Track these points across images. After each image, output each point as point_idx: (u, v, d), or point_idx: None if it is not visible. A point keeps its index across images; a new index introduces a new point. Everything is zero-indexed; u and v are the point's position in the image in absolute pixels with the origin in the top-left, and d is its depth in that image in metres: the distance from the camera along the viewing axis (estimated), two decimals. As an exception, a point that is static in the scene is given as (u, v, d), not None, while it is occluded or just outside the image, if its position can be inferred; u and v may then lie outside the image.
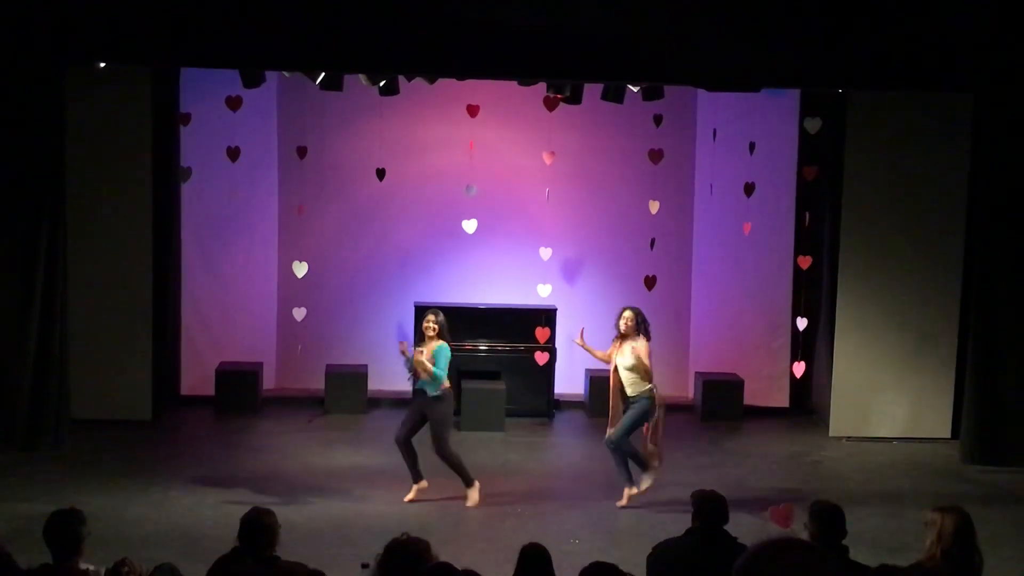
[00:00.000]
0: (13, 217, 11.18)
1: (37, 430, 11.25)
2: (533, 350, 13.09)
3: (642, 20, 10.72)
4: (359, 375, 13.36)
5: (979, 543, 5.78)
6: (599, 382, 12.11)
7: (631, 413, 9.98)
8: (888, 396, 12.73)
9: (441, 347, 9.86)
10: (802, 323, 12.96)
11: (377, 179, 12.68)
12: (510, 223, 13.74)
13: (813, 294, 13.28)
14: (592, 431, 12.26)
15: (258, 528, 5.84)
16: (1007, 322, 11.71)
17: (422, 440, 10.08)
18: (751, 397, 13.57)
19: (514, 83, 11.93)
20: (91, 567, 5.78)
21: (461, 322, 13.32)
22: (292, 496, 10.07)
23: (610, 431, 10.06)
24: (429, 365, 9.76)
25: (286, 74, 12.62)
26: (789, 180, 13.40)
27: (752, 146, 12.69)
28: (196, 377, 13.44)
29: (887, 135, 12.43)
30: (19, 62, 10.81)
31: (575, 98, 11.99)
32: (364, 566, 5.72)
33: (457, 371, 13.06)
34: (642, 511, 9.98)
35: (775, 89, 12.24)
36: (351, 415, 13.05)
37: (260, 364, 13.54)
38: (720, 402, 13.44)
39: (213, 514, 9.51)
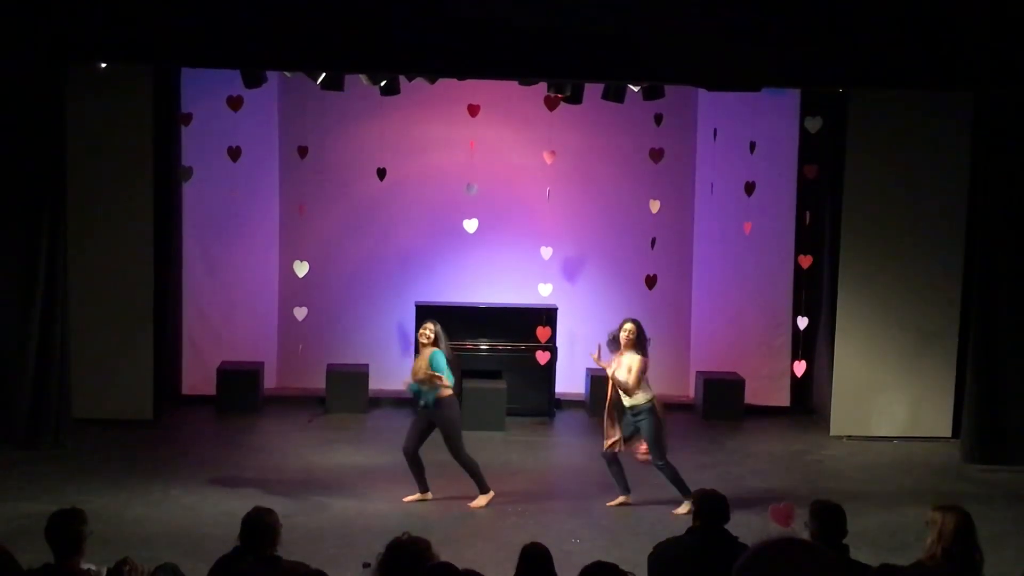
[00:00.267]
0: (14, 217, 11.19)
1: (38, 429, 11.26)
2: (534, 349, 13.09)
3: (642, 19, 10.72)
4: (360, 374, 13.37)
5: (980, 542, 5.78)
6: (600, 382, 12.11)
7: (648, 428, 9.89)
8: (889, 395, 12.73)
9: (434, 353, 9.88)
10: (803, 322, 12.96)
11: (378, 179, 12.68)
12: (511, 222, 13.74)
13: (814, 293, 13.28)
14: (593, 431, 12.25)
15: (259, 527, 5.85)
16: (1008, 321, 11.72)
17: (435, 447, 10.10)
18: (752, 396, 13.57)
19: (515, 83, 11.93)
20: (92, 567, 5.79)
21: (462, 322, 13.37)
22: (293, 495, 10.07)
23: (609, 444, 10.01)
24: (433, 373, 9.78)
25: (287, 74, 12.63)
26: (790, 179, 13.40)
27: (753, 145, 12.69)
28: (197, 376, 13.45)
29: (888, 134, 12.43)
30: (20, 62, 10.82)
31: (576, 98, 11.99)
32: (365, 565, 5.72)
33: (458, 370, 13.11)
34: (643, 511, 9.99)
35: (776, 88, 12.24)
36: (352, 415, 13.06)
37: (261, 364, 13.54)
38: (721, 401, 13.44)
39: (214, 513, 9.51)
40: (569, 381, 13.67)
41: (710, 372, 13.73)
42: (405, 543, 5.32)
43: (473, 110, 12.63)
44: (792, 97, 13.15)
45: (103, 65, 11.39)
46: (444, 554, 5.42)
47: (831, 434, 12.77)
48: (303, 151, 12.71)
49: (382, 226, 13.75)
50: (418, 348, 10.14)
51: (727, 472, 11.27)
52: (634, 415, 9.94)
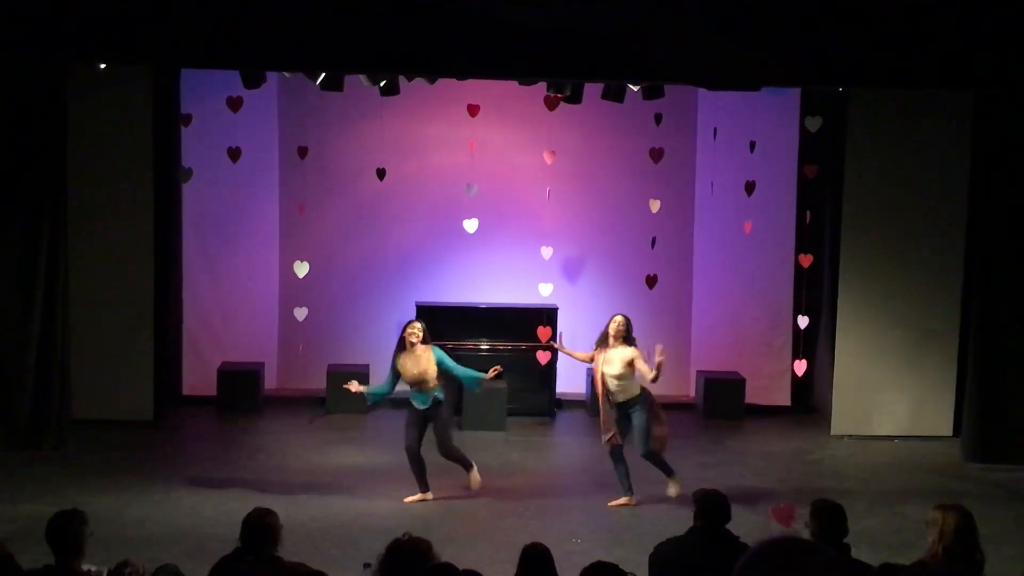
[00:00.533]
0: (15, 217, 11.20)
1: (39, 430, 11.27)
2: (534, 349, 13.09)
3: (642, 19, 10.71)
4: (360, 375, 13.33)
5: (981, 541, 5.78)
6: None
7: (640, 418, 9.98)
8: (889, 394, 12.73)
9: (435, 350, 10.04)
10: (803, 321, 12.96)
11: (378, 179, 12.67)
12: (511, 222, 13.74)
13: (814, 292, 13.28)
14: (594, 430, 12.21)
15: (260, 528, 5.85)
16: (1008, 319, 11.71)
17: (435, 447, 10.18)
18: (752, 395, 13.57)
19: (514, 83, 11.93)
20: (93, 568, 5.78)
21: (462, 322, 13.38)
22: (294, 496, 10.07)
23: (608, 438, 10.05)
24: (481, 376, 10.16)
25: (287, 74, 12.62)
26: (790, 178, 13.40)
27: (753, 145, 12.68)
28: (197, 377, 13.45)
29: (888, 133, 12.43)
30: (21, 62, 10.82)
31: (575, 97, 11.98)
32: (366, 566, 5.72)
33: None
34: (643, 510, 9.99)
35: (776, 88, 12.23)
36: (352, 415, 13.04)
37: (261, 364, 13.55)
38: (721, 401, 13.44)
39: (215, 514, 9.51)
40: (570, 381, 13.66)
41: (711, 371, 13.73)
42: (406, 543, 5.32)
43: (473, 110, 12.63)
44: (792, 96, 13.15)
45: (103, 66, 11.39)
46: (445, 554, 5.42)
47: (832, 433, 12.77)
48: (303, 151, 12.71)
49: (382, 226, 13.75)
50: (403, 347, 10.09)
51: (728, 472, 11.26)
52: (629, 408, 9.99)
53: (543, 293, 13.36)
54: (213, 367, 13.32)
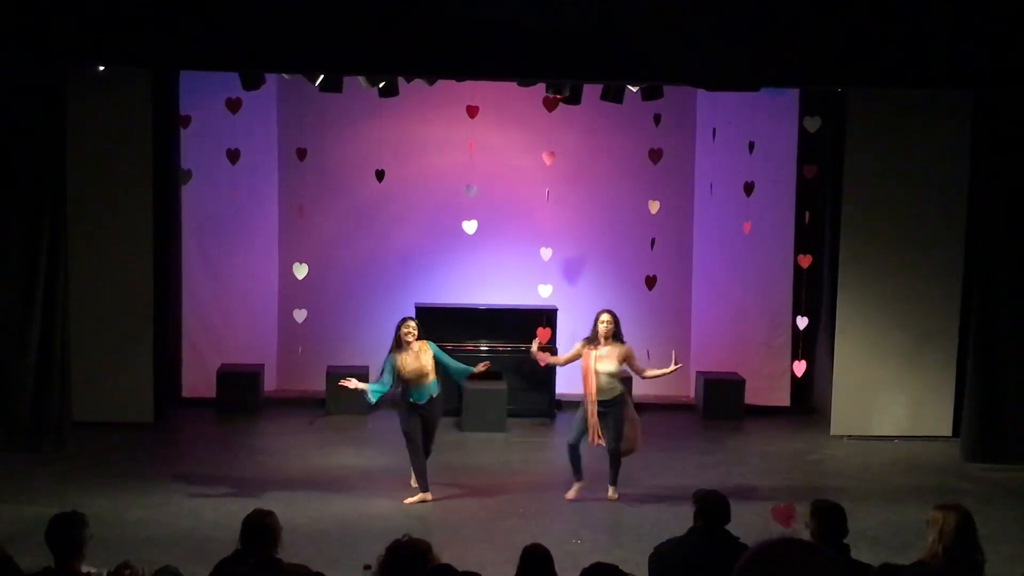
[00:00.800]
0: (14, 219, 11.20)
1: (39, 432, 11.27)
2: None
3: (641, 20, 10.71)
4: (360, 376, 13.31)
5: (981, 541, 5.78)
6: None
7: (616, 417, 10.12)
8: (889, 394, 12.73)
9: (432, 345, 10.21)
10: (803, 322, 12.96)
11: (377, 180, 12.68)
12: (510, 223, 13.74)
13: (814, 293, 13.28)
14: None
15: (259, 530, 5.84)
16: (1007, 320, 11.72)
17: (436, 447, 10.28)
18: (752, 396, 13.58)
19: (513, 84, 11.93)
20: (93, 570, 5.78)
21: (462, 323, 13.38)
22: (293, 497, 10.07)
23: (600, 441, 10.09)
24: (475, 369, 10.39)
25: (286, 76, 12.62)
26: (789, 179, 13.40)
27: (752, 145, 12.69)
28: (197, 379, 13.45)
29: (887, 133, 12.43)
30: (20, 65, 10.82)
31: (574, 98, 11.98)
32: (366, 567, 5.72)
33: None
34: (644, 510, 9.99)
35: (775, 88, 12.22)
36: (352, 416, 13.05)
37: (261, 366, 13.55)
38: (721, 401, 13.45)
39: (214, 516, 9.51)
40: (569, 382, 13.61)
41: (710, 372, 13.73)
42: (405, 545, 5.32)
43: (472, 111, 12.63)
44: (791, 97, 13.16)
45: (102, 68, 11.39)
46: (445, 555, 5.42)
47: (831, 434, 12.77)
48: (302, 153, 12.71)
49: (381, 228, 13.76)
50: (399, 346, 10.14)
51: (728, 472, 11.27)
52: (608, 406, 10.05)
53: (542, 294, 13.36)
54: (213, 369, 13.33)
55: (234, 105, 12.18)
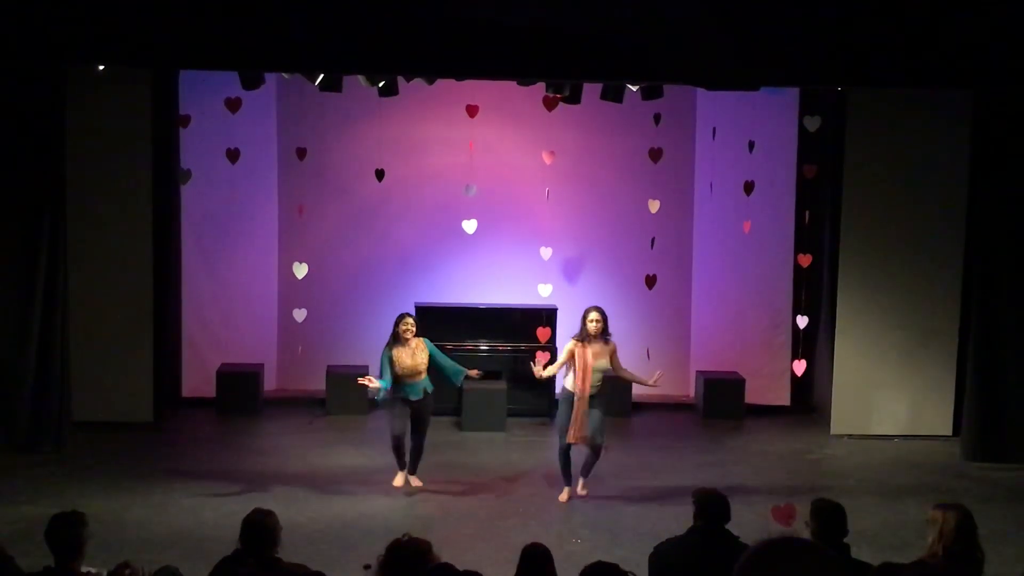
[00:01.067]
0: (14, 219, 11.21)
1: (38, 432, 11.27)
2: (534, 350, 13.07)
3: (641, 19, 10.71)
4: (360, 376, 13.34)
5: (981, 540, 5.78)
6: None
7: (600, 411, 10.11)
8: (889, 394, 12.73)
9: (427, 341, 10.35)
10: (803, 321, 12.96)
11: (376, 180, 12.67)
12: (510, 223, 13.74)
13: (813, 292, 13.28)
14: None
15: (259, 529, 5.84)
16: (1008, 319, 11.72)
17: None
18: (752, 395, 13.57)
19: (513, 83, 11.92)
20: (93, 570, 5.78)
21: (462, 322, 13.38)
22: (293, 497, 10.07)
23: (583, 438, 10.07)
24: (469, 371, 10.58)
25: (285, 75, 12.61)
26: (789, 178, 13.39)
27: (752, 144, 12.68)
28: (197, 379, 13.45)
29: (887, 133, 12.43)
30: (20, 64, 10.82)
31: (574, 98, 11.98)
32: (366, 567, 5.72)
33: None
34: (643, 510, 9.99)
35: (775, 87, 12.22)
36: (352, 416, 13.05)
37: (261, 365, 13.54)
38: (721, 400, 13.44)
39: (214, 516, 9.51)
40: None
41: (710, 371, 13.73)
42: (406, 544, 5.32)
43: (472, 111, 12.63)
44: (791, 96, 13.15)
45: (102, 67, 11.39)
46: (445, 555, 5.42)
47: (832, 433, 12.77)
48: (302, 152, 12.70)
49: (381, 227, 13.75)
50: (396, 341, 10.20)
51: (728, 471, 11.27)
52: (593, 403, 10.08)
53: (542, 294, 13.35)
54: (213, 369, 13.32)
55: (234, 105, 12.18)
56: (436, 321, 13.21)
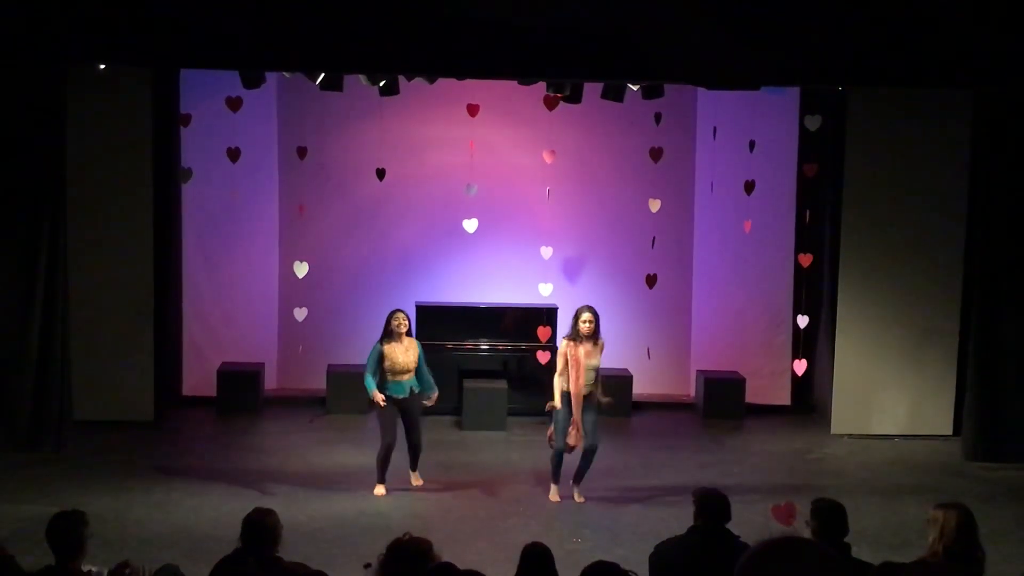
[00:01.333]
0: (14, 218, 11.20)
1: (39, 431, 11.26)
2: (535, 349, 13.09)
3: (642, 19, 10.71)
4: (360, 375, 13.33)
5: (981, 540, 5.78)
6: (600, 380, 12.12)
7: (594, 412, 10.07)
8: (890, 393, 12.72)
9: (419, 344, 10.42)
10: (803, 321, 12.96)
11: (377, 179, 12.67)
12: (511, 222, 13.74)
13: (814, 292, 13.28)
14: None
15: (260, 528, 5.84)
16: (1008, 318, 11.72)
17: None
18: (752, 395, 13.57)
19: (514, 82, 11.93)
20: (94, 568, 5.79)
21: (463, 321, 13.38)
22: (294, 496, 10.07)
23: (578, 441, 10.02)
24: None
25: (286, 75, 12.62)
26: (790, 178, 13.40)
27: (752, 144, 12.68)
28: (198, 378, 13.45)
29: (887, 132, 12.43)
30: (20, 63, 10.82)
31: (575, 97, 11.98)
32: (366, 566, 5.72)
33: (458, 370, 13.13)
34: (644, 509, 9.99)
35: (775, 87, 12.23)
36: (352, 415, 13.05)
37: (261, 364, 13.54)
38: (721, 400, 13.44)
39: (215, 514, 9.51)
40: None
41: (711, 371, 13.73)
42: (406, 543, 5.32)
43: (472, 110, 12.62)
44: (792, 96, 13.15)
45: (103, 66, 11.39)
46: (445, 554, 5.42)
47: (832, 432, 12.76)
48: (302, 152, 12.71)
49: (382, 226, 13.75)
50: (389, 337, 10.21)
51: (728, 471, 11.27)
52: (589, 401, 10.05)
53: (543, 293, 13.35)
54: (213, 368, 13.32)
55: (234, 104, 12.18)
56: (437, 320, 13.23)
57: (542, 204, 13.36)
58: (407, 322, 10.27)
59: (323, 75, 11.52)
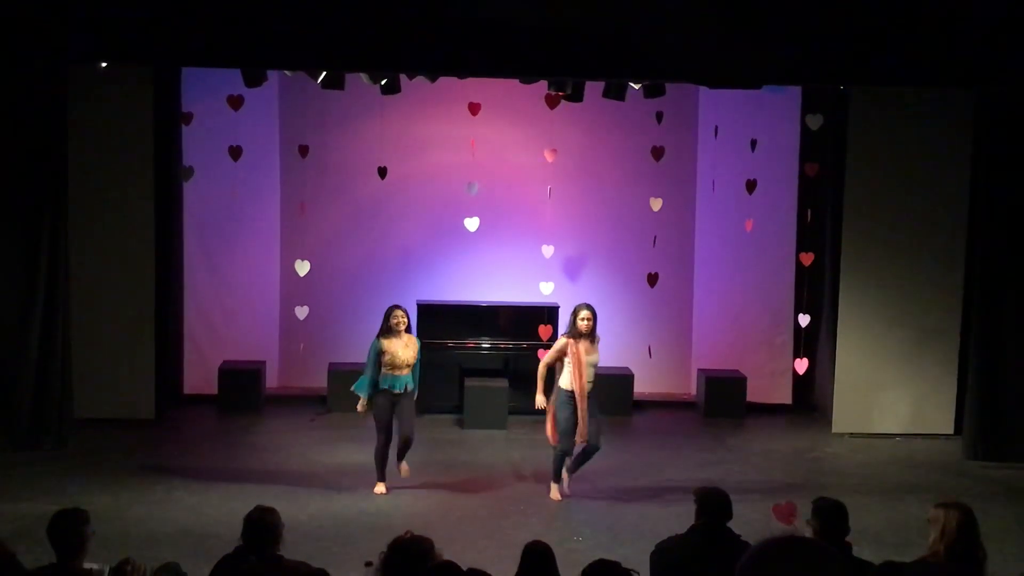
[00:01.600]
0: (16, 216, 11.20)
1: (40, 429, 11.27)
2: (536, 348, 13.08)
3: (643, 17, 10.72)
4: (361, 373, 13.34)
5: (982, 539, 5.78)
6: (600, 380, 12.11)
7: (595, 410, 10.07)
8: (891, 392, 12.72)
9: (419, 341, 10.38)
10: (804, 320, 12.96)
11: (379, 177, 12.68)
12: (512, 221, 13.74)
13: (815, 291, 13.28)
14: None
15: (261, 527, 5.84)
16: (1009, 317, 11.71)
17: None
18: (754, 394, 13.57)
19: (516, 81, 11.93)
20: (95, 567, 5.78)
21: (464, 320, 13.39)
22: (295, 495, 10.07)
23: (582, 439, 10.03)
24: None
25: (287, 73, 12.63)
26: (791, 177, 13.40)
27: (754, 143, 12.69)
28: (199, 376, 13.46)
29: (889, 131, 12.42)
30: (22, 62, 10.83)
31: (577, 96, 11.99)
32: (368, 564, 5.72)
33: (460, 369, 13.13)
34: (645, 508, 9.99)
35: (777, 86, 12.23)
36: (353, 414, 12.99)
37: (262, 363, 13.55)
38: (723, 399, 13.44)
39: (216, 513, 9.51)
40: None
41: (712, 370, 13.73)
42: (407, 542, 5.32)
43: (474, 108, 12.63)
44: (793, 95, 13.15)
45: (104, 65, 11.39)
46: (446, 553, 5.42)
47: (833, 431, 12.77)
48: (304, 150, 12.72)
49: (383, 225, 13.76)
50: (389, 332, 10.18)
51: (729, 470, 11.27)
52: (591, 397, 10.04)
53: (544, 292, 13.36)
54: (214, 366, 13.33)
55: (236, 102, 12.19)
56: (438, 319, 13.23)
57: (543, 203, 13.36)
58: (406, 319, 10.24)
59: (324, 73, 11.52)
